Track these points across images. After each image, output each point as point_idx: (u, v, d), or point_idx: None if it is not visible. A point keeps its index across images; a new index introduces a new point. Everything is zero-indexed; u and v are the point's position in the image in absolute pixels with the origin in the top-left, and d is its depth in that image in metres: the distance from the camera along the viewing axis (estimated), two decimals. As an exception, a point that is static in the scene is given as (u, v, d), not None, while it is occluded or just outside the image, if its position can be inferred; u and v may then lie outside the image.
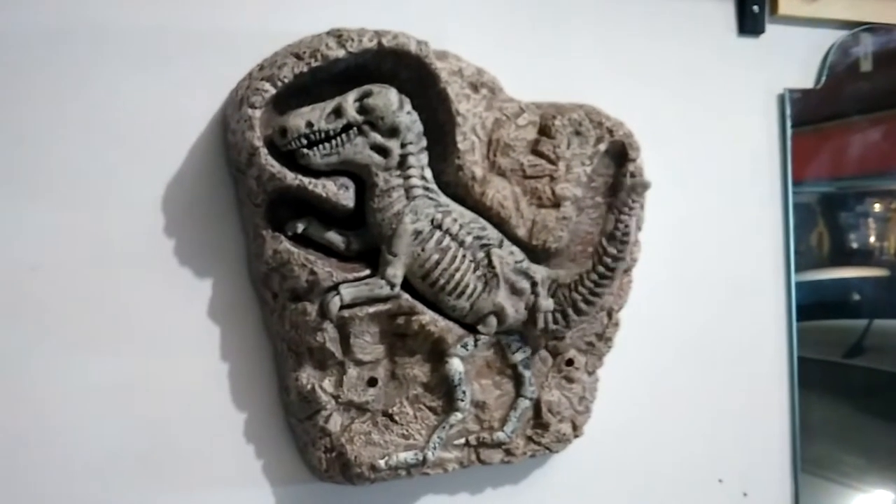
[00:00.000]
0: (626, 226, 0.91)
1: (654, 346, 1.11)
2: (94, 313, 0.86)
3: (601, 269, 0.91)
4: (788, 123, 1.15)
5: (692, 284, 1.14)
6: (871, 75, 1.31)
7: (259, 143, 0.81)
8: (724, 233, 1.15)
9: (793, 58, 1.17)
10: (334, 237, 0.87)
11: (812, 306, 1.30)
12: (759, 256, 1.17)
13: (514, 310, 0.90)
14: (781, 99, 1.16)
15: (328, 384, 0.87)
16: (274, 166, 0.82)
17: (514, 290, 0.89)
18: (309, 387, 0.87)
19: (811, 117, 1.22)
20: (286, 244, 0.85)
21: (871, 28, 1.20)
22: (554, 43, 1.06)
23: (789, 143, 1.15)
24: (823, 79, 1.17)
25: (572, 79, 1.05)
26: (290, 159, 0.83)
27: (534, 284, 0.90)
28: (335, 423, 0.88)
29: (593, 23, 1.08)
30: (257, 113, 0.81)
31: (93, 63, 0.85)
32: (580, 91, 1.01)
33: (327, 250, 0.87)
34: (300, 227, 0.85)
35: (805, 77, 1.17)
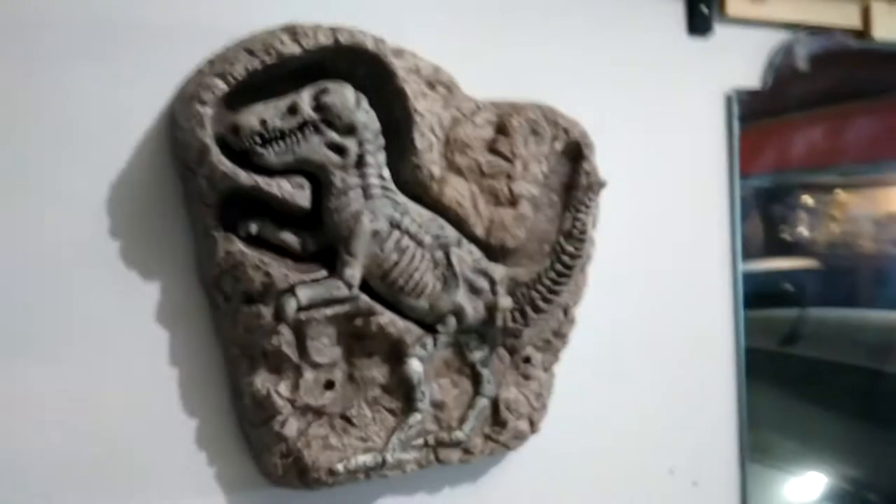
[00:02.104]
0: (584, 224, 0.93)
1: (605, 342, 1.11)
2: (34, 318, 0.82)
3: (559, 266, 0.93)
4: (736, 123, 1.17)
5: (642, 280, 1.15)
6: (809, 76, 1.34)
7: (210, 141, 0.79)
8: (674, 229, 1.17)
9: (740, 58, 1.19)
10: (289, 238, 0.85)
11: (748, 296, 1.33)
12: (706, 251, 1.19)
13: (473, 309, 0.90)
14: (729, 99, 1.18)
15: (284, 388, 0.86)
16: (226, 166, 0.79)
17: (473, 290, 0.89)
18: (264, 391, 0.85)
19: (752, 114, 1.25)
20: (239, 245, 0.82)
21: (813, 30, 1.23)
22: (506, 41, 1.05)
23: (736, 141, 1.18)
24: (770, 80, 1.20)
25: (524, 77, 1.05)
26: (243, 157, 0.81)
27: (492, 283, 0.90)
28: (291, 427, 0.86)
29: (545, 22, 1.08)
30: (208, 110, 0.79)
31: (32, 55, 0.81)
32: (532, 89, 1.01)
33: (281, 250, 0.85)
34: (253, 228, 0.83)
35: (751, 76, 1.20)
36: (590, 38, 1.10)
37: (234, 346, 0.86)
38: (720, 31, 1.17)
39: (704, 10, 1.15)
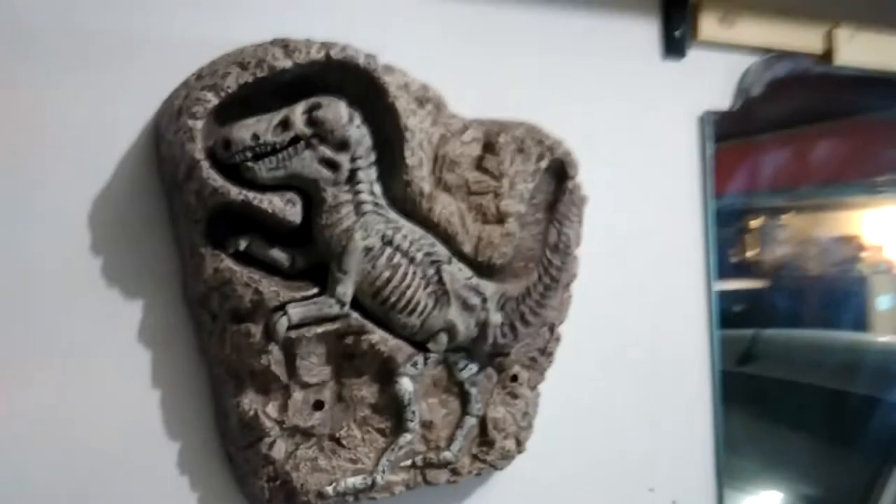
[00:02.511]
0: (568, 237, 0.94)
1: (587, 360, 1.12)
2: (13, 337, 0.79)
3: (546, 280, 0.93)
4: (709, 145, 1.20)
5: (619, 300, 1.16)
6: (773, 99, 1.38)
7: (200, 155, 0.77)
8: (650, 249, 1.19)
9: (711, 80, 1.22)
10: (278, 254, 0.83)
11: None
12: (682, 272, 1.21)
13: (465, 326, 0.89)
14: (702, 120, 1.20)
15: (272, 409, 0.83)
16: (216, 181, 0.77)
17: (466, 307, 0.89)
18: (251, 413, 0.83)
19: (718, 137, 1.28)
20: (228, 262, 0.80)
21: (779, 54, 1.27)
22: (486, 62, 1.06)
23: (710, 162, 1.20)
24: (739, 102, 1.23)
25: (502, 98, 1.05)
26: (231, 173, 0.79)
27: (484, 300, 0.90)
28: (279, 449, 0.84)
29: (526, 44, 1.09)
30: (198, 124, 0.77)
31: (14, 65, 0.79)
32: (510, 110, 1.01)
33: (269, 268, 0.83)
34: (243, 245, 0.81)
35: (722, 99, 1.23)
36: (568, 60, 1.12)
37: (220, 366, 0.84)
38: (692, 54, 1.20)
39: (677, 33, 1.18)
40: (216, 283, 0.80)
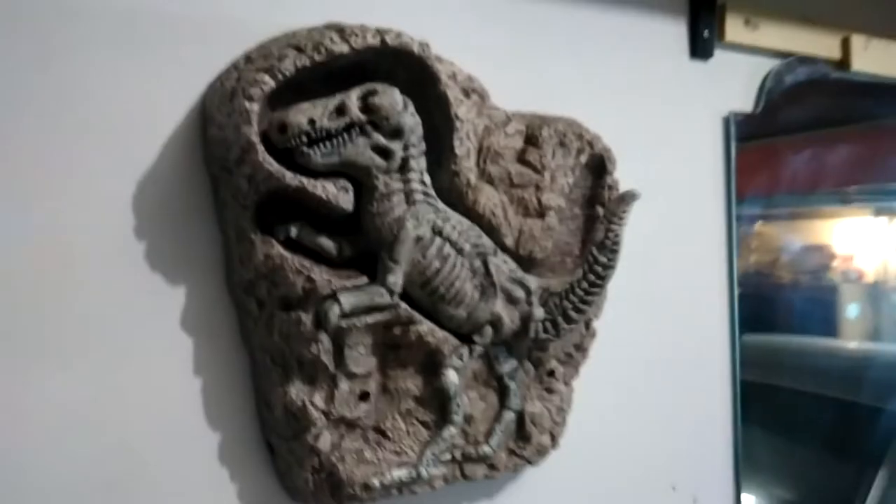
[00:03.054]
0: (617, 235, 0.92)
1: (611, 360, 1.11)
2: (53, 323, 0.76)
3: (591, 277, 0.92)
4: (734, 145, 1.21)
5: (644, 299, 1.16)
6: (787, 104, 1.40)
7: (256, 139, 0.75)
8: (674, 247, 1.19)
9: (736, 82, 1.23)
10: (326, 242, 0.82)
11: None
12: (706, 271, 1.22)
13: (510, 319, 0.88)
14: (727, 121, 1.21)
15: (318, 399, 0.82)
16: (272, 165, 0.76)
17: (510, 300, 0.88)
18: (299, 402, 0.81)
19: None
20: (279, 249, 0.79)
21: (799, 59, 1.28)
22: (516, 58, 1.05)
23: (734, 163, 1.21)
24: (762, 104, 1.24)
25: (533, 94, 1.05)
26: (282, 158, 0.78)
27: (528, 293, 0.89)
28: (325, 441, 0.82)
29: (557, 41, 1.08)
30: (255, 106, 0.75)
31: (57, 45, 0.76)
32: (541, 106, 1.01)
33: (316, 255, 0.82)
34: (294, 232, 0.80)
35: (746, 100, 1.24)
36: (598, 58, 1.12)
37: (266, 354, 0.82)
38: (718, 55, 1.21)
39: (706, 34, 1.19)
40: (266, 270, 0.79)
